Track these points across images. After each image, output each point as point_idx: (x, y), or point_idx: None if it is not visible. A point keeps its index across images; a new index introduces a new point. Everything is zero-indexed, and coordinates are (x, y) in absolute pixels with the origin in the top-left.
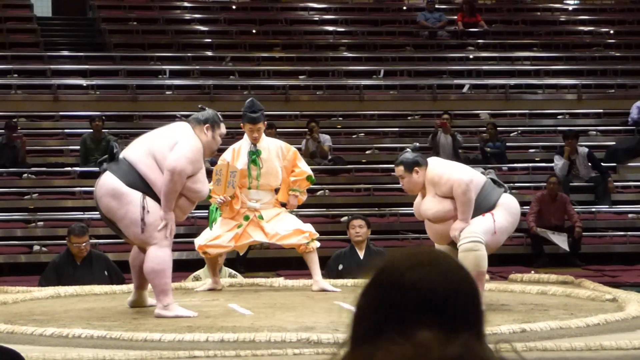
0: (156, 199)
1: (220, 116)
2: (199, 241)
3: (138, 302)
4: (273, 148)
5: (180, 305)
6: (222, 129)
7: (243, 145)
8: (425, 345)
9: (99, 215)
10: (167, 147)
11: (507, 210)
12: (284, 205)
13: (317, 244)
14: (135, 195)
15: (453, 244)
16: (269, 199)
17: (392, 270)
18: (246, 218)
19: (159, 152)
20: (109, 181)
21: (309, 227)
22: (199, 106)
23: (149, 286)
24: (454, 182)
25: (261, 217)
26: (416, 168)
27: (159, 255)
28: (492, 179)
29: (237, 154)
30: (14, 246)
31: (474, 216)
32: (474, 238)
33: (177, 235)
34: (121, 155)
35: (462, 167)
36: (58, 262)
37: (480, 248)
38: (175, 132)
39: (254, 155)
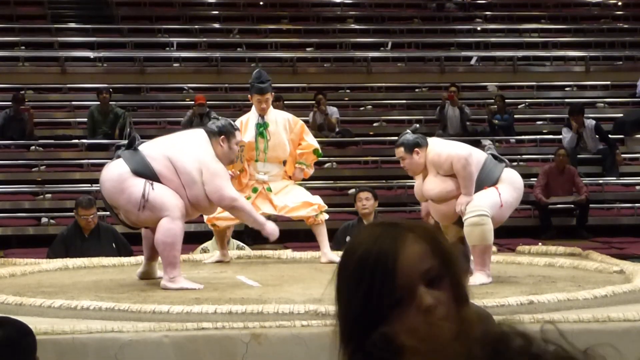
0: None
1: (234, 124)
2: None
3: (147, 273)
4: (280, 120)
5: (187, 278)
6: (237, 137)
7: (251, 118)
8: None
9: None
10: (182, 152)
11: (511, 185)
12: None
13: (326, 216)
14: (139, 182)
15: (458, 223)
16: (277, 171)
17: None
18: (254, 190)
19: (175, 156)
20: (117, 167)
21: (317, 200)
22: (212, 116)
23: (159, 258)
24: (453, 158)
25: (269, 190)
26: (416, 149)
27: (171, 228)
28: (493, 155)
29: (244, 126)
30: (22, 218)
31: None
32: (480, 212)
33: None
34: (140, 147)
35: (460, 144)
36: (66, 234)
37: (486, 222)
38: (192, 141)
39: (262, 128)
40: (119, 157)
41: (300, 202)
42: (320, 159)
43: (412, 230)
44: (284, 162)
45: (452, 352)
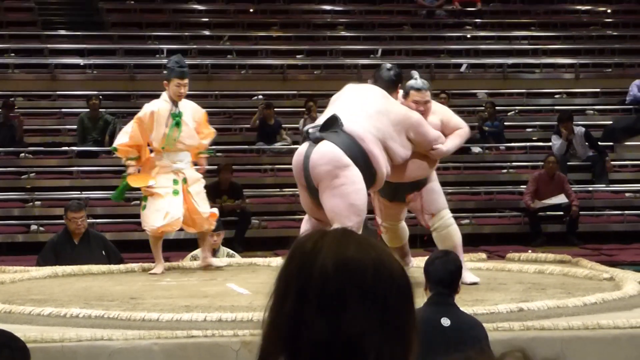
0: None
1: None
2: (154, 223)
3: None
4: (189, 109)
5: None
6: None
7: (163, 107)
8: None
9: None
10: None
11: None
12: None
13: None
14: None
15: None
16: (188, 160)
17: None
18: (175, 182)
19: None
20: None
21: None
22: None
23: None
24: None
25: (185, 181)
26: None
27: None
28: None
29: (157, 116)
30: (12, 226)
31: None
32: (449, 217)
33: None
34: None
35: None
36: (56, 241)
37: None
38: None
39: (178, 117)
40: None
41: (209, 213)
42: None
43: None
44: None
45: None
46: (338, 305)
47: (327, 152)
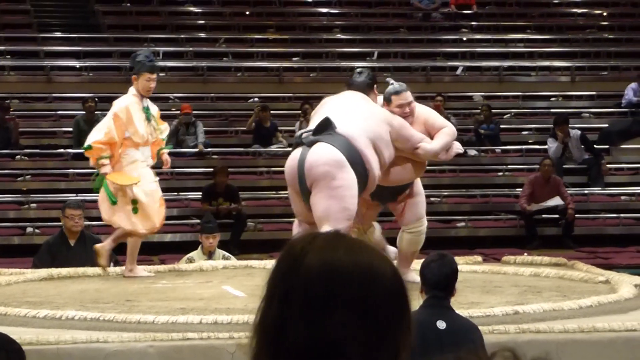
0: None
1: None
2: (145, 227)
3: None
4: (150, 104)
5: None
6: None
7: (133, 103)
8: None
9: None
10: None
11: None
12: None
13: None
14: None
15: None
16: (150, 155)
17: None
18: (155, 176)
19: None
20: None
21: None
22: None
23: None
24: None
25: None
26: None
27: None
28: None
29: (131, 113)
30: (7, 228)
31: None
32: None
33: (170, 217)
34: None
35: None
36: (52, 242)
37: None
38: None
39: (148, 113)
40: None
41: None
42: None
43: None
44: None
45: None
46: (320, 309)
47: (324, 152)
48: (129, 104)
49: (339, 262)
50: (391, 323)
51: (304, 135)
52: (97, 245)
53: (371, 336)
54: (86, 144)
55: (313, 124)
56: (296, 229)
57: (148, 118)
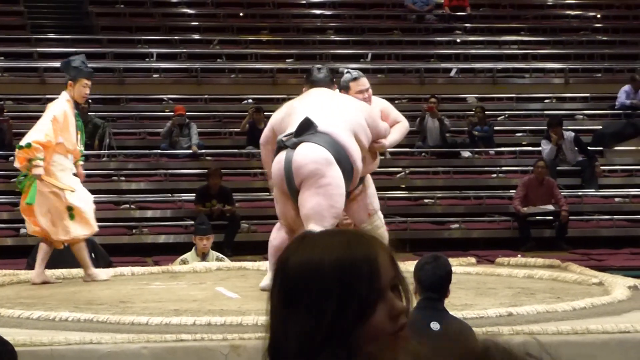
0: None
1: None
2: (84, 231)
3: None
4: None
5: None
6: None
7: (68, 107)
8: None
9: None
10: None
11: None
12: None
13: None
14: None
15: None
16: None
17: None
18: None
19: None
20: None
21: None
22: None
23: None
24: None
25: None
26: None
27: None
28: None
29: (69, 116)
30: (1, 229)
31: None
32: (381, 221)
33: (164, 219)
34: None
35: None
36: None
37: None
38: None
39: (79, 120)
40: (296, 144)
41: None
42: None
43: (375, 239)
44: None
45: None
46: (288, 304)
47: (310, 151)
48: (66, 110)
49: (312, 259)
50: (357, 318)
51: (284, 139)
52: (32, 277)
53: (339, 331)
54: (25, 142)
55: (291, 128)
56: (274, 232)
57: (79, 127)
